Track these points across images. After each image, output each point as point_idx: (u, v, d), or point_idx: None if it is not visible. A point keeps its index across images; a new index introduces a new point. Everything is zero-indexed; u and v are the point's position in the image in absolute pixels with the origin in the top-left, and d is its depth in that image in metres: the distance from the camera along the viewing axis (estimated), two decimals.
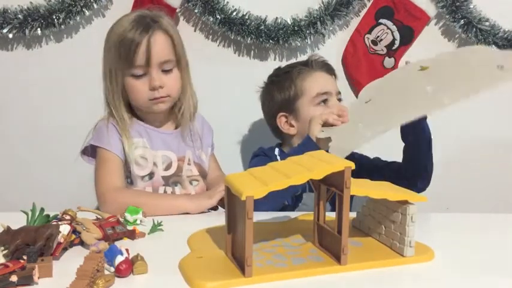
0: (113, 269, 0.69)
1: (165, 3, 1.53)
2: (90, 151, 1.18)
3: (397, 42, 1.64)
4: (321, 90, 1.30)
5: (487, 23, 1.60)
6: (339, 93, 1.35)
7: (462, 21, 1.60)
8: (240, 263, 0.70)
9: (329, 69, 1.37)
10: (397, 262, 0.75)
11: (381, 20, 1.63)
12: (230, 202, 0.74)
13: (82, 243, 0.81)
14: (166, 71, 1.16)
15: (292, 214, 0.99)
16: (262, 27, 1.56)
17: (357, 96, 1.68)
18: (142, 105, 1.18)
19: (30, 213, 0.84)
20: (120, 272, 0.68)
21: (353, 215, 0.88)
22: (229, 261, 0.73)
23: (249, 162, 1.37)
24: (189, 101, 1.24)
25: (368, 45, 1.65)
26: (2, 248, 0.74)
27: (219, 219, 1.00)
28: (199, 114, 1.31)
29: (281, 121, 1.34)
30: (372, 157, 1.37)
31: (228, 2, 1.56)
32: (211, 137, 1.33)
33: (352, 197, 0.79)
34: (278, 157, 1.32)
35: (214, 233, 0.86)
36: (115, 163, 1.13)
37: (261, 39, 1.57)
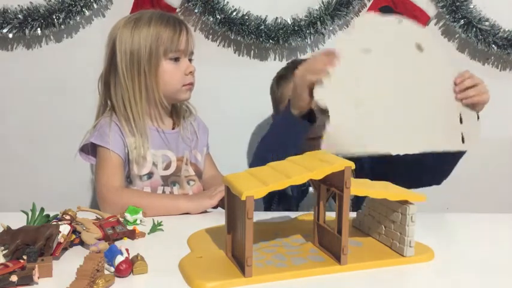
0: (112, 269, 0.69)
1: (165, 3, 1.53)
2: (90, 149, 1.18)
3: None
4: None
5: (487, 23, 1.60)
6: None
7: (462, 21, 1.59)
8: (240, 263, 0.70)
9: None
10: (397, 262, 0.75)
11: None
12: (230, 202, 0.74)
13: (82, 243, 0.81)
14: (190, 61, 1.23)
15: (292, 214, 0.99)
16: (262, 27, 1.56)
17: None
18: (176, 89, 1.20)
19: (30, 213, 0.84)
20: (120, 272, 0.68)
21: (353, 215, 0.88)
22: (229, 261, 0.73)
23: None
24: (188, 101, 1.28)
25: None
26: (2, 248, 0.74)
27: (219, 219, 1.00)
28: (195, 115, 1.33)
29: None
30: None
31: (228, 2, 1.55)
32: (206, 137, 1.34)
33: (359, 197, 0.79)
34: None
35: (214, 233, 0.86)
36: (116, 163, 1.13)
37: (261, 39, 1.57)
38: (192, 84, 1.22)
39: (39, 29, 1.52)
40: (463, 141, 1.01)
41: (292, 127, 1.03)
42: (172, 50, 1.17)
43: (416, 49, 0.99)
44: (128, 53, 1.16)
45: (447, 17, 1.61)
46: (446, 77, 1.02)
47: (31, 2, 1.52)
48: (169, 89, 1.19)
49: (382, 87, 0.97)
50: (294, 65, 1.32)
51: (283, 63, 1.45)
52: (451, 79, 1.02)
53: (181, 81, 1.19)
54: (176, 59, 1.19)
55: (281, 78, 1.34)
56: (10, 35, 1.52)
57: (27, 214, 0.84)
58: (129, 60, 1.16)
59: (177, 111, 1.28)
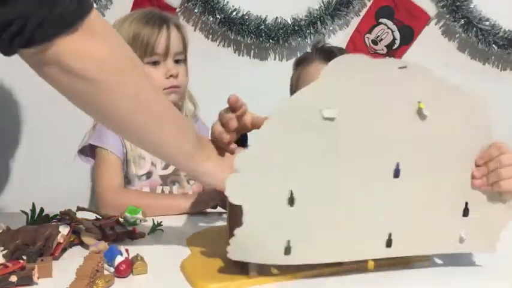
0: (112, 269, 0.69)
1: (164, 3, 1.53)
2: (89, 151, 1.18)
3: (397, 42, 1.64)
4: None
5: (488, 23, 1.60)
6: None
7: (462, 21, 1.59)
8: (244, 263, 0.69)
9: (329, 59, 1.21)
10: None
11: (381, 20, 1.63)
12: (232, 205, 0.73)
13: (82, 243, 0.81)
14: (177, 62, 1.19)
15: None
16: (262, 26, 1.56)
17: None
18: None
19: (30, 213, 0.83)
20: (119, 272, 0.68)
21: None
22: (232, 261, 0.73)
23: None
24: (187, 101, 1.27)
25: (368, 45, 1.65)
26: (2, 248, 0.74)
27: (219, 219, 1.01)
28: (196, 115, 1.33)
29: None
30: None
31: (228, 2, 1.55)
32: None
33: None
34: None
35: (214, 233, 0.86)
36: (114, 163, 1.13)
37: (261, 39, 1.57)
38: (175, 87, 1.18)
39: None
40: (460, 241, 0.71)
41: None
42: (147, 55, 1.14)
43: (416, 115, 0.65)
44: None
45: (447, 16, 1.61)
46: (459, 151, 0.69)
47: None
48: None
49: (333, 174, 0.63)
50: (314, 48, 1.26)
51: (283, 63, 1.46)
52: (469, 158, 0.70)
53: (161, 85, 1.15)
54: (155, 63, 1.16)
55: (300, 60, 1.26)
56: None
57: (26, 214, 0.84)
58: None
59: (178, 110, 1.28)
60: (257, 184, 0.60)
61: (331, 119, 0.61)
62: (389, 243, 0.67)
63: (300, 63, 1.25)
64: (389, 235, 0.67)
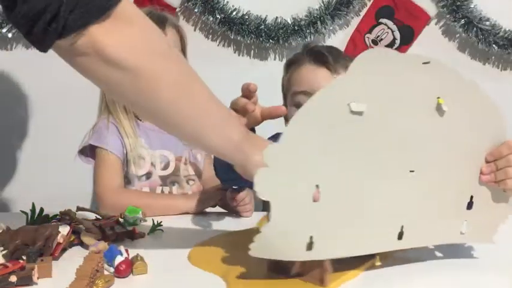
0: (112, 270, 0.69)
1: (164, 2, 1.53)
2: (89, 151, 1.17)
3: (397, 42, 1.63)
4: (298, 88, 1.08)
5: (488, 23, 1.60)
6: None
7: (463, 21, 1.59)
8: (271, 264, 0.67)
9: (323, 62, 1.12)
10: None
11: (381, 20, 1.63)
12: None
13: (81, 243, 0.81)
14: None
15: None
16: (262, 26, 1.56)
17: None
18: None
19: (29, 213, 0.83)
20: (119, 273, 0.68)
21: None
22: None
23: None
24: None
25: (368, 44, 1.64)
26: (1, 248, 0.74)
27: (218, 219, 1.01)
28: None
29: None
30: None
31: (228, 2, 1.55)
32: None
33: None
34: None
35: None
36: (114, 163, 1.13)
37: (261, 39, 1.57)
38: None
39: None
40: (462, 232, 0.73)
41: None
42: None
43: (435, 110, 0.66)
44: None
45: (447, 16, 1.61)
46: (471, 148, 0.70)
47: None
48: None
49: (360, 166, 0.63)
50: (305, 49, 1.19)
51: (283, 63, 1.45)
52: (480, 154, 0.71)
53: None
54: None
55: (291, 62, 1.19)
56: (9, 35, 1.52)
57: (26, 214, 0.84)
58: None
59: None
60: (285, 179, 0.58)
61: (360, 113, 0.60)
62: (400, 236, 0.68)
63: (291, 65, 1.21)
64: (402, 228, 0.67)
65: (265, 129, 1.47)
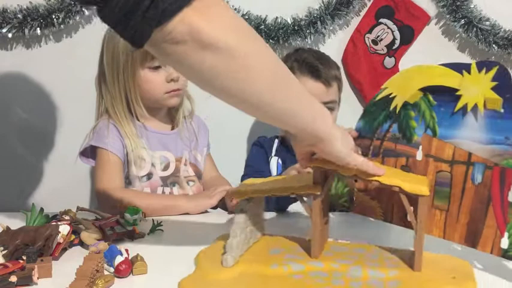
0: (112, 270, 0.69)
1: None
2: (90, 152, 1.17)
3: (397, 42, 1.63)
4: None
5: (488, 23, 1.60)
6: (330, 102, 1.24)
7: (462, 21, 1.59)
8: None
9: (316, 75, 1.23)
10: None
11: (381, 20, 1.63)
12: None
13: (81, 243, 0.81)
14: None
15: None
16: (262, 26, 1.56)
17: (357, 96, 1.69)
18: (158, 98, 1.18)
19: (29, 214, 0.83)
20: (119, 273, 0.68)
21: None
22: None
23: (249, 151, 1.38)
24: (186, 101, 1.27)
25: (368, 44, 1.64)
26: (2, 248, 0.74)
27: (218, 219, 1.01)
28: (195, 115, 1.32)
29: None
30: None
31: (228, 2, 1.55)
32: (207, 138, 1.33)
33: None
34: (274, 150, 1.31)
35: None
36: (115, 163, 1.13)
37: None
38: (177, 90, 1.18)
39: (38, 28, 1.52)
40: None
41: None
42: (148, 59, 1.14)
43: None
44: (110, 56, 1.16)
45: (447, 16, 1.61)
46: None
47: (30, 2, 1.52)
48: (151, 97, 1.18)
49: None
50: (297, 59, 1.27)
51: None
52: None
53: (162, 89, 1.17)
54: (156, 67, 1.15)
55: None
56: (9, 35, 1.52)
57: (26, 214, 0.84)
58: (111, 64, 1.16)
59: (176, 112, 1.28)
60: None
61: None
62: None
63: None
64: None
65: (266, 129, 1.47)
